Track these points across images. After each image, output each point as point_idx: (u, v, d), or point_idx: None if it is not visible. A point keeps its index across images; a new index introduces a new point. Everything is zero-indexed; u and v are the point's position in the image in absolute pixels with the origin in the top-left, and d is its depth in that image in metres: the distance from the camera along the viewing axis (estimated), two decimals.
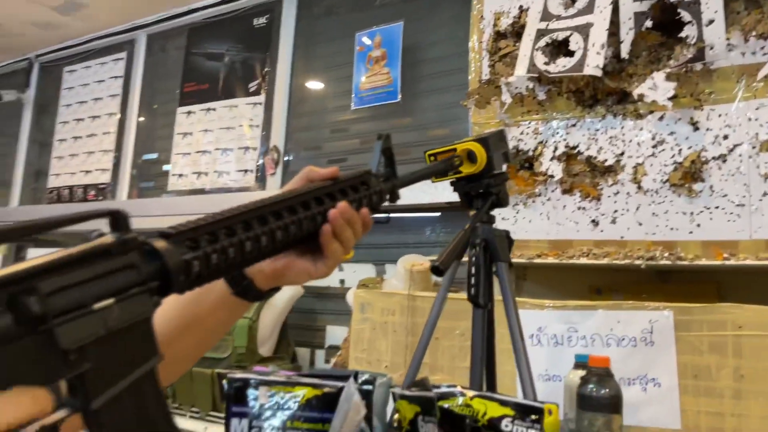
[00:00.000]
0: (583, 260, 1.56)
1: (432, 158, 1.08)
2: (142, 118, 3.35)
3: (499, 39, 1.83)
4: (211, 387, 2.07)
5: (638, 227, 1.55)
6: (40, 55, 3.86)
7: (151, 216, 3.02)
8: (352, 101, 2.52)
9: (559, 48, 1.67)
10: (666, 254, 1.46)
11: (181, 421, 2.41)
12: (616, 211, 1.59)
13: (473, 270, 1.05)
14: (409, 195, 2.22)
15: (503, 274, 1.04)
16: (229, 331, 2.14)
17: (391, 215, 2.37)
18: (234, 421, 0.90)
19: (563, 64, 1.62)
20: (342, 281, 2.42)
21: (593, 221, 1.62)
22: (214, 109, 2.97)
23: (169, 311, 0.70)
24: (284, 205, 0.62)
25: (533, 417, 0.93)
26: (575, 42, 1.62)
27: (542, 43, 1.67)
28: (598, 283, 1.85)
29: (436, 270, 0.94)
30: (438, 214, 2.30)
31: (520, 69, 1.69)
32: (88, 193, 3.42)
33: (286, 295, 2.27)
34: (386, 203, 0.80)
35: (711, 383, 1.20)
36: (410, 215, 2.32)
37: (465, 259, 1.07)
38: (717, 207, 1.45)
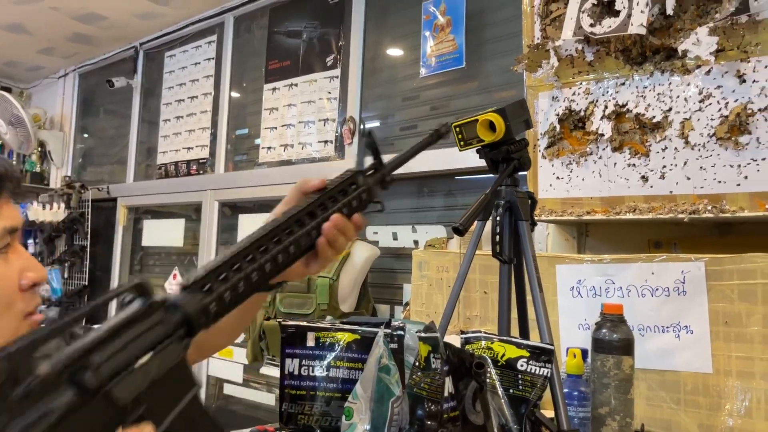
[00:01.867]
0: (630, 216, 1.62)
1: (457, 129, 1.19)
2: (234, 95, 3.62)
3: (551, 2, 1.87)
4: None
5: (686, 181, 1.58)
6: (144, 43, 4.22)
7: (247, 186, 3.30)
8: (420, 69, 2.63)
9: (606, 8, 1.69)
10: (710, 207, 1.50)
11: (275, 371, 2.69)
12: (664, 166, 1.62)
13: (497, 229, 1.16)
14: (464, 157, 2.32)
15: (523, 232, 1.15)
16: (310, 288, 2.35)
17: (457, 177, 2.48)
18: (287, 361, 1.09)
19: (608, 24, 1.66)
20: (416, 242, 2.57)
21: (643, 177, 1.66)
22: (296, 85, 3.17)
23: None
24: (282, 229, 0.72)
25: (545, 357, 1.05)
26: (620, 2, 1.64)
27: (588, 4, 1.71)
28: (658, 236, 1.89)
29: (457, 230, 1.07)
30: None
31: (567, 32, 1.73)
32: (191, 167, 3.75)
33: (363, 256, 2.45)
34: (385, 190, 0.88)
35: (741, 329, 1.26)
36: (477, 177, 2.42)
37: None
38: (764, 158, 1.46)
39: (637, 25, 1.59)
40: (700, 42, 1.51)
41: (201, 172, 3.69)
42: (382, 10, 2.87)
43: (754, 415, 1.22)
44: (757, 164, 1.47)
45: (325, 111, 3.01)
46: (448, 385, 0.94)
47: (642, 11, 1.59)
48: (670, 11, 1.58)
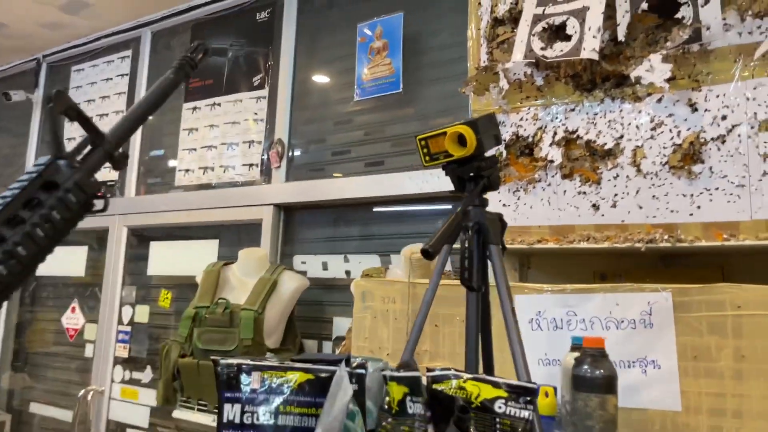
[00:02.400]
0: (584, 245, 1.56)
1: (422, 143, 1.08)
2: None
3: (497, 25, 1.83)
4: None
5: (639, 210, 1.54)
6: (48, 55, 3.90)
7: (161, 211, 3.05)
8: (355, 93, 2.53)
9: (556, 33, 1.66)
10: (666, 236, 1.45)
11: (189, 414, 2.44)
12: (616, 194, 1.58)
13: (466, 254, 1.05)
14: (410, 185, 2.21)
15: (495, 257, 1.04)
16: (233, 322, 2.15)
17: (397, 208, 2.38)
18: (227, 407, 0.91)
19: (560, 48, 1.61)
20: (348, 272, 2.43)
21: (594, 205, 1.61)
22: (219, 104, 2.99)
23: None
24: None
25: (526, 398, 0.94)
26: (572, 26, 1.61)
27: (539, 28, 1.67)
28: (602, 268, 1.85)
29: (426, 253, 0.95)
30: (449, 206, 2.29)
31: (518, 55, 1.68)
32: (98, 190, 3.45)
33: (292, 286, 2.28)
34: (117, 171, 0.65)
35: (711, 364, 1.20)
36: (419, 207, 2.32)
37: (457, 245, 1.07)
38: (717, 188, 1.44)
39: (590, 50, 1.56)
40: (653, 69, 1.49)
41: (109, 195, 3.39)
42: (315, 30, 2.76)
43: None
44: (710, 194, 1.45)
45: (250, 133, 2.84)
46: None
47: (594, 36, 1.56)
48: (621, 38, 1.56)
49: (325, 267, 2.51)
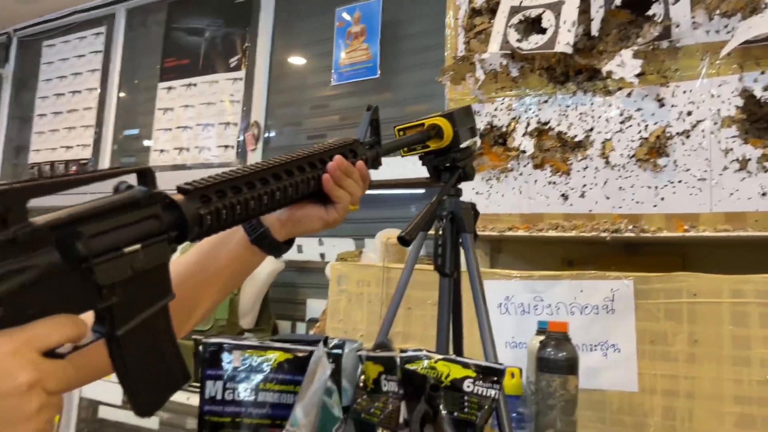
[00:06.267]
0: (552, 233, 1.61)
1: (401, 133, 1.11)
2: (122, 94, 3.35)
3: (475, 16, 1.86)
4: (193, 358, 2.11)
5: (606, 201, 1.60)
6: (18, 29, 3.82)
7: None
8: (332, 77, 2.54)
9: (532, 25, 1.70)
10: (630, 227, 1.52)
11: None
12: (585, 185, 1.63)
13: (440, 241, 1.09)
14: (386, 171, 2.25)
15: (468, 244, 1.09)
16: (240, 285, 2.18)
17: (372, 192, 2.41)
18: (209, 384, 0.95)
19: (535, 41, 1.66)
20: (322, 255, 2.47)
21: (563, 195, 1.67)
22: (194, 85, 2.98)
23: (189, 265, 0.80)
24: (283, 168, 0.70)
25: (493, 378, 0.99)
26: (547, 19, 1.65)
27: (515, 20, 1.71)
28: (570, 255, 1.91)
29: (403, 240, 0.99)
30: (423, 191, 2.34)
31: (494, 46, 1.72)
32: (69, 168, 3.42)
33: (267, 269, 2.31)
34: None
35: (666, 348, 1.26)
36: (393, 192, 2.36)
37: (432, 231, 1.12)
38: (680, 181, 1.51)
39: (564, 43, 1.60)
40: (624, 64, 1.54)
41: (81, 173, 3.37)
42: (293, 13, 2.76)
43: None
44: (674, 186, 1.52)
45: (226, 114, 2.84)
46: (403, 411, 0.85)
47: (569, 30, 1.61)
48: (595, 32, 1.61)
49: (299, 250, 2.54)
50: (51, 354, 0.45)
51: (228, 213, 0.62)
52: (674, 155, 1.51)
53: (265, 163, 0.69)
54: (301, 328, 2.49)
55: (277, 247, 0.78)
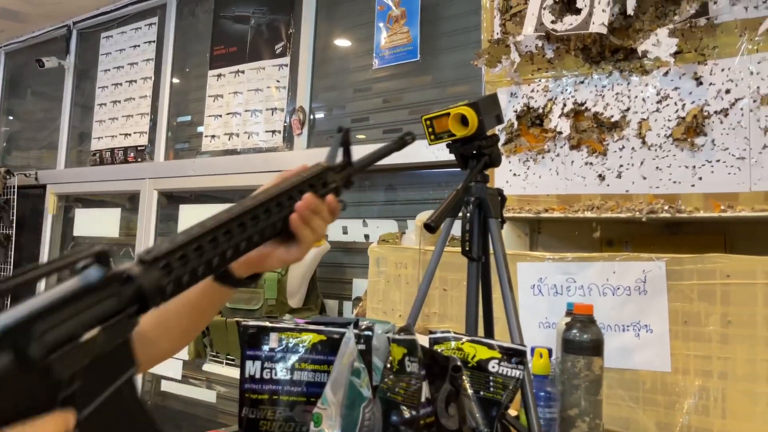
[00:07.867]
0: (588, 214, 1.62)
1: (428, 122, 1.15)
2: (175, 81, 3.47)
3: None
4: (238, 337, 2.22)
5: (642, 181, 1.60)
6: (78, 21, 3.99)
7: (188, 176, 3.17)
8: (374, 61, 2.58)
9: (567, 6, 1.69)
10: (666, 207, 1.51)
11: (217, 368, 2.60)
12: (621, 165, 1.63)
13: (467, 226, 1.13)
14: (426, 153, 2.28)
15: (494, 229, 1.12)
16: (258, 285, 2.27)
17: (413, 171, 2.45)
18: (248, 363, 1.03)
19: (570, 22, 1.65)
20: (366, 236, 2.53)
21: (600, 176, 1.67)
22: (242, 72, 3.06)
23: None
24: (250, 215, 0.69)
25: (518, 359, 1.03)
26: (581, 0, 1.64)
27: (549, 1, 1.70)
28: (609, 235, 1.91)
29: (429, 227, 1.03)
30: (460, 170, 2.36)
31: (528, 28, 1.72)
32: (128, 155, 3.58)
33: (313, 250, 2.39)
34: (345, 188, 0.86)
35: (699, 329, 1.27)
36: (433, 171, 2.39)
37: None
38: (718, 160, 1.49)
39: (599, 24, 1.59)
40: (660, 43, 1.53)
41: (139, 159, 3.52)
42: None
43: (711, 413, 1.24)
44: (712, 166, 1.50)
45: (273, 100, 2.92)
46: (425, 390, 0.90)
47: (603, 10, 1.59)
48: (630, 11, 1.59)
49: (345, 231, 2.61)
50: None
51: (190, 277, 0.60)
52: (712, 134, 1.49)
53: (232, 209, 0.68)
54: (347, 306, 2.57)
55: (241, 283, 0.78)
